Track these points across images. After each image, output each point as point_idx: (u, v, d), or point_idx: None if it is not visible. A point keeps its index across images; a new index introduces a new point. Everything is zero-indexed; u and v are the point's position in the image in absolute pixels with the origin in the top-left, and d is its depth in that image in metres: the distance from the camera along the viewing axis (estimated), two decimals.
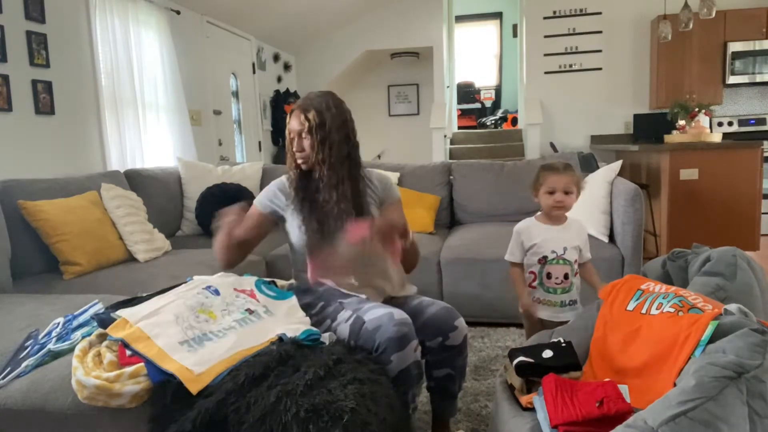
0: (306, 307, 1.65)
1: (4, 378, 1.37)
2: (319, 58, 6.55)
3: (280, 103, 5.98)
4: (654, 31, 5.54)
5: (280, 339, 1.43)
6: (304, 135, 1.65)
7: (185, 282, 1.71)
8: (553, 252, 1.99)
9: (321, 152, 1.63)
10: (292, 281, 1.86)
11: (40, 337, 1.52)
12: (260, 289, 1.68)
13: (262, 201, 1.78)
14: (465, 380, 2.21)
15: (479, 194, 3.51)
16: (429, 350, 1.62)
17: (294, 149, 1.67)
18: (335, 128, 1.65)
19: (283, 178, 1.77)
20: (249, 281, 1.72)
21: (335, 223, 1.66)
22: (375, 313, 1.48)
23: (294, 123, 1.66)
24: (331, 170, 1.65)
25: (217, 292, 1.59)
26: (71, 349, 1.44)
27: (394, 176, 3.62)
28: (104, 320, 1.48)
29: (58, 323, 1.56)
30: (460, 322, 1.64)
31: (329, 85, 6.68)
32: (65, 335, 1.52)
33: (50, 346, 1.46)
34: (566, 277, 1.99)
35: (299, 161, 1.68)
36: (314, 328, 1.52)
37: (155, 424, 1.22)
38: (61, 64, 3.03)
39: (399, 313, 1.47)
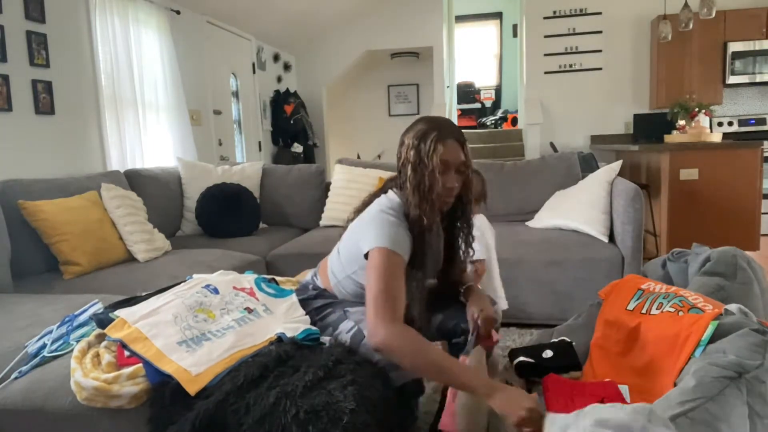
0: (313, 312, 1.61)
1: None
2: (319, 58, 6.54)
3: (280, 103, 5.97)
4: (654, 31, 5.53)
5: (279, 339, 1.42)
6: (462, 169, 1.44)
7: (185, 281, 1.71)
8: None
9: (467, 194, 1.49)
10: (315, 279, 1.70)
11: (31, 347, 1.51)
12: (260, 287, 1.68)
13: (405, 249, 1.40)
14: None
15: None
16: (450, 347, 1.60)
17: (445, 184, 1.40)
18: None
19: (400, 210, 1.45)
20: (248, 279, 1.71)
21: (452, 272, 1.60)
22: None
23: (454, 154, 1.41)
24: (466, 209, 1.53)
25: (216, 291, 1.58)
26: (68, 353, 1.44)
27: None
28: (102, 320, 1.48)
29: (51, 330, 1.55)
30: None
31: (329, 85, 6.68)
32: (64, 336, 1.52)
33: (45, 352, 1.45)
34: None
35: (445, 198, 1.44)
36: (314, 327, 1.51)
37: (154, 425, 1.22)
38: (61, 64, 3.02)
39: None
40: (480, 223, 1.98)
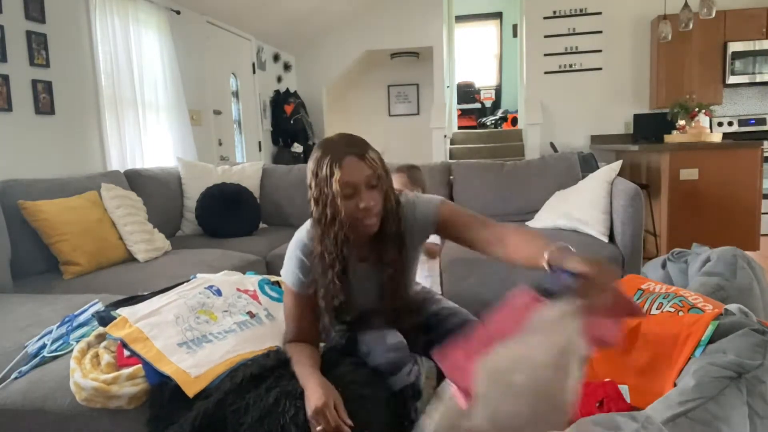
0: None
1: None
2: (319, 58, 6.54)
3: (280, 103, 5.97)
4: (654, 31, 5.53)
5: (278, 350, 1.41)
6: (375, 182, 1.27)
7: (188, 280, 1.71)
8: None
9: (385, 203, 1.31)
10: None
11: (31, 346, 1.51)
12: (263, 289, 1.67)
13: (305, 285, 1.38)
14: None
15: (479, 194, 3.50)
16: None
17: (360, 205, 1.25)
18: (388, 171, 1.34)
19: (301, 241, 1.38)
20: (252, 281, 1.71)
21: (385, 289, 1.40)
22: (368, 335, 1.42)
23: (354, 171, 1.24)
24: (393, 223, 1.34)
25: (219, 292, 1.58)
26: (68, 353, 1.43)
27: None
28: (104, 318, 1.49)
29: (51, 330, 1.55)
30: None
31: (329, 85, 6.68)
32: (64, 336, 1.52)
33: (45, 352, 1.45)
34: None
35: (369, 222, 1.28)
36: None
37: (154, 426, 1.22)
38: (61, 64, 3.02)
39: (393, 337, 1.40)
40: None
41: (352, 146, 1.29)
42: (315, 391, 1.18)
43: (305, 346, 1.38)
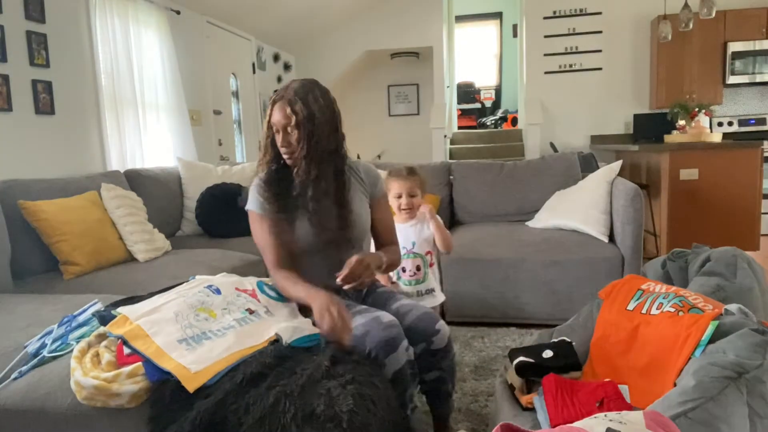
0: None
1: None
2: (319, 58, 6.54)
3: None
4: (654, 31, 5.53)
5: (277, 340, 1.42)
6: (290, 129, 1.53)
7: (187, 281, 1.71)
8: (404, 248, 2.10)
9: (306, 147, 1.52)
10: None
11: (31, 346, 1.51)
12: (262, 289, 1.68)
13: (266, 204, 1.62)
14: (465, 379, 2.21)
15: (479, 194, 3.51)
16: (415, 356, 1.57)
17: (280, 144, 1.55)
18: (324, 120, 1.55)
19: (259, 176, 1.66)
20: (251, 281, 1.71)
21: (319, 222, 1.60)
22: (360, 319, 1.47)
23: (278, 116, 1.53)
24: (314, 165, 1.55)
25: (218, 291, 1.58)
26: (68, 353, 1.44)
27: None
28: (104, 317, 1.49)
29: (52, 330, 1.55)
30: (442, 324, 1.61)
31: (329, 86, 6.65)
32: (63, 337, 1.52)
33: (45, 352, 1.45)
34: (418, 269, 2.17)
35: (285, 157, 1.58)
36: (316, 331, 1.50)
37: (154, 425, 1.22)
38: (61, 64, 3.02)
39: (385, 316, 1.47)
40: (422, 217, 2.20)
41: (292, 92, 1.53)
42: (317, 296, 1.32)
43: (292, 272, 1.57)
